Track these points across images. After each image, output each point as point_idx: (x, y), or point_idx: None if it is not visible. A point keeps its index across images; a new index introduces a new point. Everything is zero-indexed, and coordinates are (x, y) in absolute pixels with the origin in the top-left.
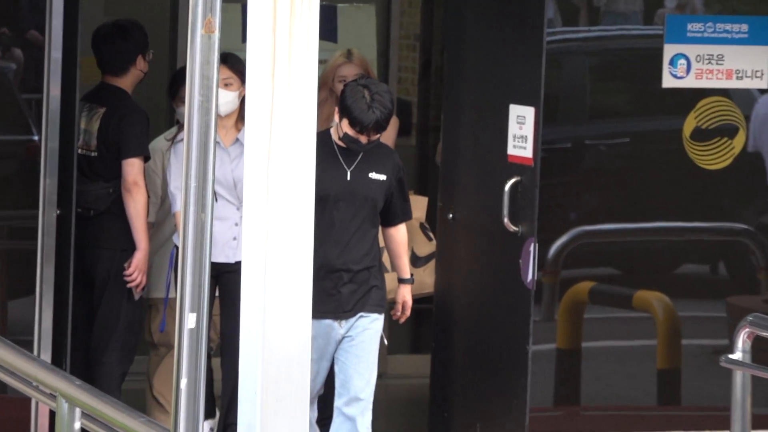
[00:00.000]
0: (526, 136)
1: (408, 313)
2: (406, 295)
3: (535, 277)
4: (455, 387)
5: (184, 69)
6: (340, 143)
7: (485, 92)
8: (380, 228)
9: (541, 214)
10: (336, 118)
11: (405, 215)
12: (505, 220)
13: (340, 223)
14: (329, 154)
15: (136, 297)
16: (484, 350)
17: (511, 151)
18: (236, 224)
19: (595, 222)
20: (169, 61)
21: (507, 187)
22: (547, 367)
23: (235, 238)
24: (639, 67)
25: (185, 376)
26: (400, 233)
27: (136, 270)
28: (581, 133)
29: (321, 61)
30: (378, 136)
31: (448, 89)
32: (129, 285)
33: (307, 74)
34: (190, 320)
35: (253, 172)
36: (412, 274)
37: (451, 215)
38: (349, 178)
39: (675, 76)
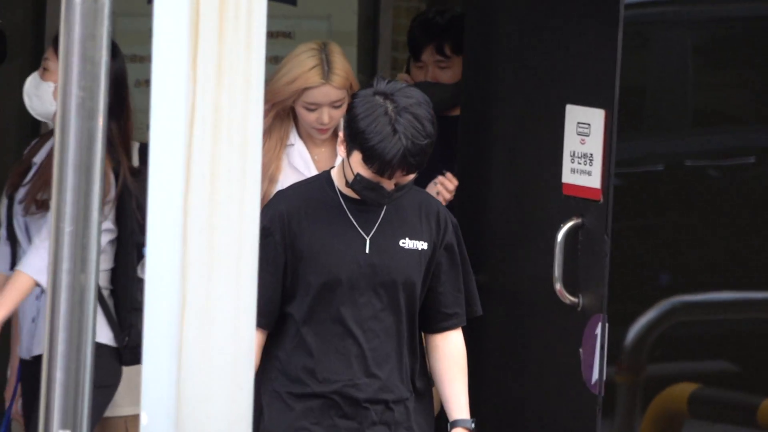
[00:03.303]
0: (591, 155)
1: None
2: None
3: (604, 376)
4: None
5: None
6: (350, 193)
7: (527, 84)
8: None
9: (615, 277)
10: (341, 152)
11: (461, 313)
12: (558, 286)
13: (357, 325)
14: (331, 214)
15: None
16: None
17: (568, 177)
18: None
19: (699, 289)
20: (33, 32)
21: (561, 234)
22: None
23: (33, 320)
24: None
25: None
26: (452, 344)
27: None
28: (679, 149)
29: (272, 59)
30: (410, 178)
31: (469, 78)
32: None
33: (252, 67)
34: None
35: (161, 221)
36: (473, 418)
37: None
38: (368, 250)
39: None
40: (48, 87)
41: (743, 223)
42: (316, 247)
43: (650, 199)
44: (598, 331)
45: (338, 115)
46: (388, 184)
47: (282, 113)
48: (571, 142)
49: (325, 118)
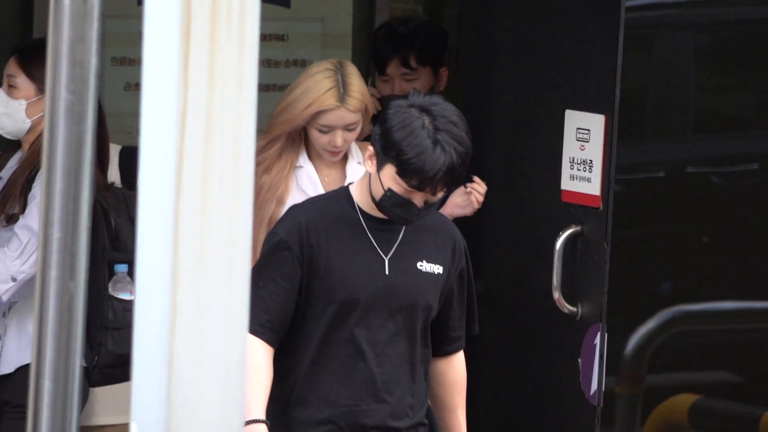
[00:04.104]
0: (591, 161)
1: None
2: None
3: (603, 387)
4: None
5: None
6: (370, 211)
7: (526, 89)
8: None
9: (615, 286)
10: (369, 166)
11: (461, 338)
12: (556, 294)
13: (370, 348)
14: (350, 231)
15: None
16: None
17: (567, 184)
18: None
19: (701, 298)
20: (21, 34)
21: (559, 242)
22: None
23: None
24: None
25: None
26: (455, 369)
27: None
28: (682, 155)
29: (265, 62)
30: (440, 195)
31: (467, 83)
32: None
33: (245, 70)
34: None
35: (151, 227)
36: None
37: None
38: (387, 272)
39: None
40: (19, 105)
41: (746, 231)
42: (334, 265)
43: (651, 206)
44: (597, 340)
45: (352, 138)
46: (419, 201)
47: (293, 134)
48: (570, 148)
49: (339, 141)
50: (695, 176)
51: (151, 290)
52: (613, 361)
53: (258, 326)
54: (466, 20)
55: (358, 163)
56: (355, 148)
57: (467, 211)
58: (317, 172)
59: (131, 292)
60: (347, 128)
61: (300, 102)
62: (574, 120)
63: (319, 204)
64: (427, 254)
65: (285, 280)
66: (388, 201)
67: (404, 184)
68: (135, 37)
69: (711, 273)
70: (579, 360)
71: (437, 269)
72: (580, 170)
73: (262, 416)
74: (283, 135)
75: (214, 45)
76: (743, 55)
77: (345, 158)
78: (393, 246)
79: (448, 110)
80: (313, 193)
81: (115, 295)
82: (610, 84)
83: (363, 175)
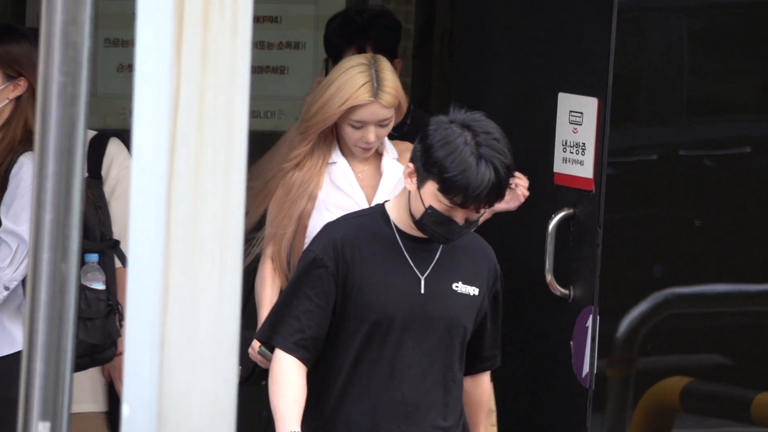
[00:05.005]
0: (583, 144)
1: None
2: None
3: (595, 369)
4: None
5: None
6: (407, 229)
7: (518, 72)
8: None
9: (607, 269)
10: (409, 184)
11: (498, 354)
12: (548, 277)
13: (407, 369)
14: (386, 249)
15: None
16: None
17: (560, 167)
18: None
19: (693, 281)
20: (14, 17)
21: (552, 224)
22: None
23: None
24: None
25: None
26: (481, 389)
27: None
28: (674, 138)
29: (258, 44)
30: (480, 213)
31: (461, 66)
32: None
33: (238, 52)
34: (41, 431)
35: (144, 211)
36: None
37: None
38: (423, 291)
39: None
40: None
41: (738, 214)
42: (369, 283)
43: (644, 189)
44: (589, 323)
45: (384, 134)
46: (460, 219)
47: (326, 129)
48: (563, 131)
49: (371, 137)
50: (688, 159)
51: (143, 274)
52: (605, 344)
53: (292, 344)
54: (460, 4)
55: (393, 158)
56: (388, 143)
57: (511, 205)
58: (351, 167)
59: (103, 282)
60: (380, 124)
61: (334, 98)
62: (567, 103)
63: (354, 221)
64: (463, 275)
65: (320, 298)
66: (428, 219)
67: (447, 202)
68: (128, 19)
69: (703, 256)
70: (571, 342)
71: (473, 291)
72: (572, 153)
73: (297, 428)
74: (307, 136)
75: (207, 26)
76: (736, 38)
77: (379, 154)
78: (429, 265)
79: (490, 126)
80: (348, 189)
81: (88, 285)
82: (604, 67)
83: (400, 193)
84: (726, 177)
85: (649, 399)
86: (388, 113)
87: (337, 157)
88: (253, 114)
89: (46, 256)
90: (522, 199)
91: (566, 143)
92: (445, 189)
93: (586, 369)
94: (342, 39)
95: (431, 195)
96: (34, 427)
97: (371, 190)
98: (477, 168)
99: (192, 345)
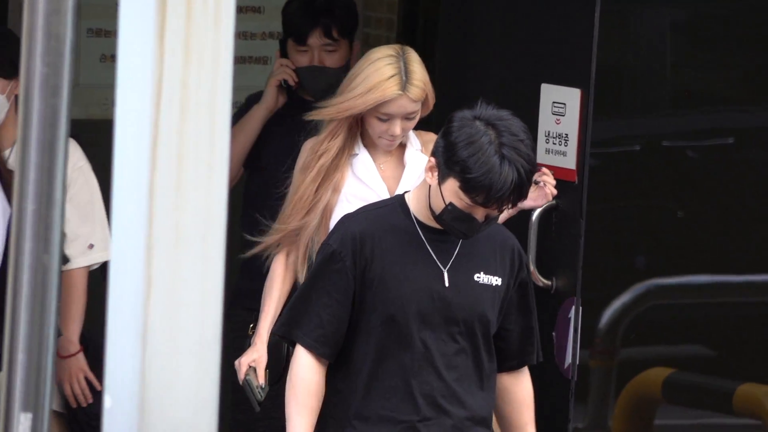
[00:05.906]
0: (566, 135)
1: None
2: None
3: (577, 360)
4: None
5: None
6: (427, 221)
7: (500, 63)
8: None
9: (590, 260)
10: (430, 178)
11: (532, 350)
12: (531, 267)
13: (429, 362)
14: (406, 241)
15: None
16: None
17: (543, 158)
18: None
19: (675, 272)
20: None
21: (535, 216)
22: None
23: None
24: (758, 25)
25: None
26: (521, 385)
27: None
28: (657, 129)
29: (241, 35)
30: (503, 211)
31: (444, 56)
32: None
33: (221, 43)
34: (23, 423)
35: (126, 201)
36: None
37: None
38: (447, 284)
39: None
40: None
41: (721, 205)
42: (389, 276)
43: (626, 180)
44: (572, 314)
45: (410, 127)
46: (480, 216)
47: (350, 120)
48: (545, 122)
49: (397, 130)
50: (671, 150)
51: (125, 263)
52: (588, 335)
53: (312, 341)
54: None
55: (417, 150)
56: (411, 133)
57: (539, 203)
58: (373, 159)
59: None
60: (407, 117)
61: (360, 88)
62: (550, 94)
63: (373, 213)
64: (485, 265)
65: (338, 293)
66: (448, 215)
67: (468, 200)
68: (111, 9)
69: (685, 247)
70: (553, 333)
71: (495, 281)
72: (555, 144)
73: None
74: (343, 123)
75: (190, 17)
76: (719, 30)
77: (402, 145)
78: (451, 257)
79: (515, 126)
80: (369, 181)
81: None
82: (586, 58)
83: (420, 184)
84: (709, 168)
85: (632, 390)
86: (416, 107)
87: (359, 149)
88: (236, 104)
89: (28, 246)
90: (550, 197)
91: (549, 134)
92: (467, 188)
93: (568, 360)
94: (305, 20)
95: (452, 192)
96: (15, 418)
97: (394, 181)
98: (500, 169)
99: (174, 335)
